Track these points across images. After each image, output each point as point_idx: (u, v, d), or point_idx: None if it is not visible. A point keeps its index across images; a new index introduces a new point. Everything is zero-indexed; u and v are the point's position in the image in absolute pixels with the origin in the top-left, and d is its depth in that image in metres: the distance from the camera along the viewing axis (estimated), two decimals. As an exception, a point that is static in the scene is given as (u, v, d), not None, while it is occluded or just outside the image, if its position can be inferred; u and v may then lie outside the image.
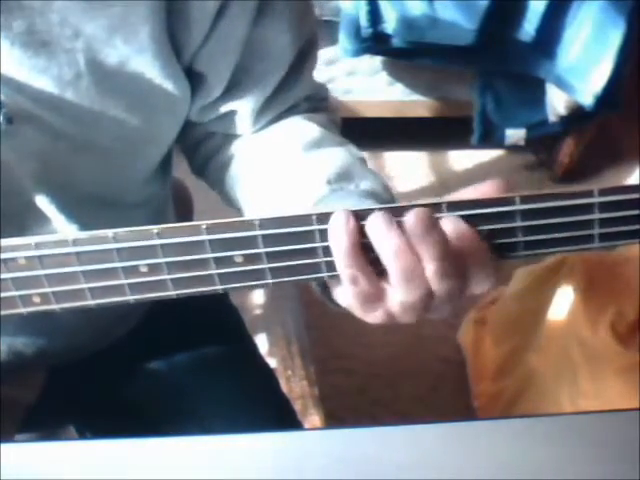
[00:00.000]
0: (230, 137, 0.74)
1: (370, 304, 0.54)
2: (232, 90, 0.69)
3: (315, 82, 0.76)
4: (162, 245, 0.53)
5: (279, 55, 0.69)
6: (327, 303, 0.61)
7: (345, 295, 0.55)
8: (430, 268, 0.51)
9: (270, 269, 0.54)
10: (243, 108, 0.71)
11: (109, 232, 0.53)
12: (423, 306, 0.53)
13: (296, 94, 0.73)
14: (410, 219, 0.50)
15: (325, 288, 0.59)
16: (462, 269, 0.52)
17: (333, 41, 1.84)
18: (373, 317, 0.55)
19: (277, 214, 0.53)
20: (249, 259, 0.53)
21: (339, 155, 0.68)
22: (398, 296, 0.53)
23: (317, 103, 0.77)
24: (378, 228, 0.51)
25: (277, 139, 0.72)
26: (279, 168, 0.69)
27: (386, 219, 0.51)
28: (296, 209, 0.62)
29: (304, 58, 0.71)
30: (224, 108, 0.71)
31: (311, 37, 0.71)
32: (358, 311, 0.55)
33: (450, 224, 0.51)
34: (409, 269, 0.51)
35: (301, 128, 0.71)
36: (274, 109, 0.72)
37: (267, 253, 0.53)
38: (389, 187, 0.66)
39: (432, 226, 0.50)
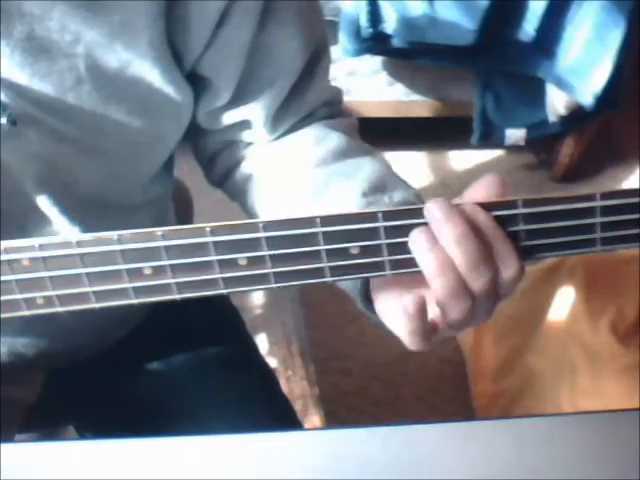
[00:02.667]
0: (250, 148, 0.74)
1: (428, 336, 0.55)
2: (241, 96, 0.69)
3: (332, 87, 0.76)
4: (166, 247, 0.53)
5: (288, 61, 0.68)
6: (367, 314, 0.61)
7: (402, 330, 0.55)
8: (457, 253, 0.51)
9: (274, 272, 0.54)
10: (256, 115, 0.70)
11: (113, 234, 0.53)
12: (468, 310, 0.53)
13: (312, 100, 0.72)
14: (429, 207, 0.51)
15: (368, 300, 0.60)
16: (488, 251, 0.51)
17: (333, 41, 1.84)
18: (424, 346, 0.56)
19: (281, 216, 0.53)
20: (253, 262, 0.53)
21: (371, 165, 0.67)
22: (445, 314, 0.53)
23: (336, 108, 0.76)
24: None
25: (301, 149, 0.71)
26: (307, 180, 0.68)
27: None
28: None
29: (316, 63, 0.70)
30: (236, 115, 0.70)
31: (321, 42, 0.71)
32: (412, 343, 0.56)
33: (468, 207, 0.51)
34: (441, 263, 0.51)
35: (325, 136, 0.71)
36: (290, 116, 0.71)
37: (271, 256, 0.53)
38: (419, 195, 0.66)
39: (451, 209, 0.51)
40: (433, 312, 0.54)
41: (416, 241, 0.51)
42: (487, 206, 0.51)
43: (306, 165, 0.69)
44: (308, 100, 0.71)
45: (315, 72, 0.71)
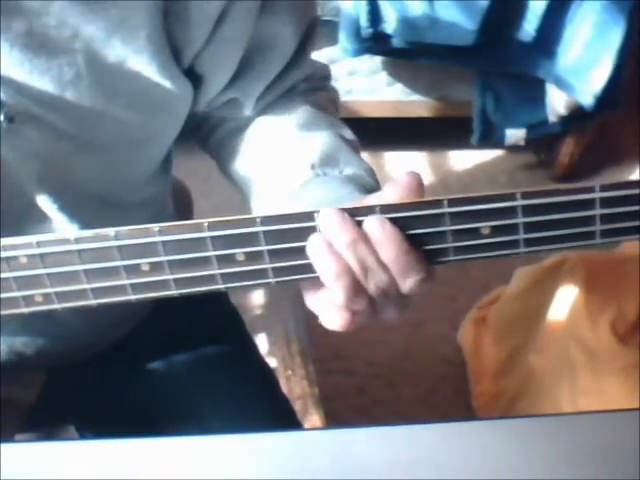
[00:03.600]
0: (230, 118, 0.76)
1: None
2: (234, 83, 0.70)
3: (314, 62, 0.77)
4: (164, 243, 0.53)
5: (282, 46, 0.70)
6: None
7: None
8: (349, 258, 0.52)
9: (272, 267, 0.54)
10: (245, 96, 0.72)
11: (110, 230, 0.53)
12: (369, 307, 0.54)
13: (296, 76, 0.74)
14: (321, 215, 0.52)
15: None
16: (375, 256, 0.52)
17: (333, 41, 1.84)
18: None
19: (279, 211, 0.53)
20: (250, 257, 0.53)
21: (326, 139, 0.69)
22: (336, 298, 0.53)
23: (317, 83, 0.78)
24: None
25: (271, 121, 0.73)
26: (270, 151, 0.71)
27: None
28: (283, 192, 0.65)
29: (305, 43, 0.72)
30: (226, 97, 0.72)
31: (312, 22, 0.72)
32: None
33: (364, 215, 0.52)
34: (335, 268, 0.52)
35: (294, 110, 0.73)
36: (274, 93, 0.73)
37: (269, 251, 0.53)
38: (373, 172, 0.68)
39: (342, 217, 0.52)
40: None
41: (313, 246, 0.52)
42: (486, 198, 0.51)
43: (271, 137, 0.72)
44: (292, 77, 0.73)
45: (305, 51, 0.72)
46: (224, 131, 0.76)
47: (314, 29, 0.73)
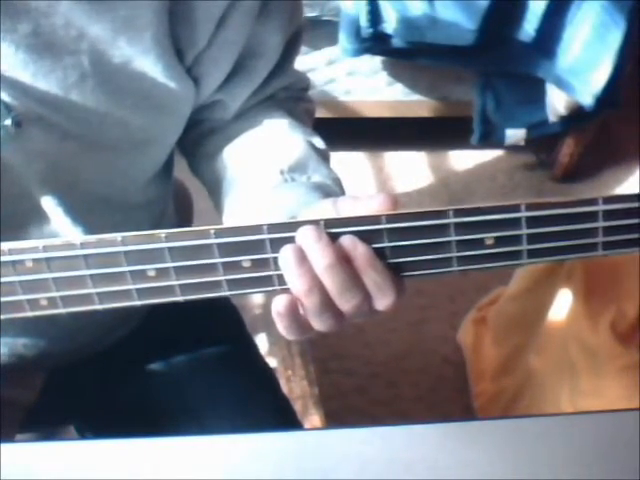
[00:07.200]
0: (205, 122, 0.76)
1: (301, 332, 0.55)
2: (225, 84, 0.70)
3: (296, 72, 0.78)
4: (170, 249, 0.53)
5: (270, 52, 0.70)
6: None
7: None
8: (324, 279, 0.52)
9: (277, 275, 0.53)
10: (232, 99, 0.72)
11: (117, 236, 0.53)
12: (338, 322, 0.54)
13: (278, 83, 0.74)
14: (301, 232, 0.51)
15: None
16: (358, 280, 0.52)
17: (333, 41, 1.84)
18: (300, 337, 0.55)
19: (285, 219, 0.53)
20: (256, 264, 0.53)
21: (297, 147, 0.70)
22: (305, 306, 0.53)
23: (295, 93, 0.78)
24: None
25: (247, 126, 0.73)
26: (242, 155, 0.72)
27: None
28: (253, 195, 0.66)
29: (290, 50, 0.73)
30: (213, 99, 0.72)
31: (298, 29, 0.73)
32: (286, 335, 0.55)
33: (345, 239, 0.52)
34: (308, 285, 0.52)
35: (271, 117, 0.73)
36: (256, 98, 0.74)
37: (274, 258, 0.53)
38: (340, 182, 0.69)
39: (320, 239, 0.51)
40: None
41: (286, 260, 0.52)
42: (490, 209, 0.51)
43: (246, 142, 0.72)
44: (274, 84, 0.74)
45: (288, 59, 0.73)
46: (199, 131, 0.76)
47: (299, 37, 0.73)
